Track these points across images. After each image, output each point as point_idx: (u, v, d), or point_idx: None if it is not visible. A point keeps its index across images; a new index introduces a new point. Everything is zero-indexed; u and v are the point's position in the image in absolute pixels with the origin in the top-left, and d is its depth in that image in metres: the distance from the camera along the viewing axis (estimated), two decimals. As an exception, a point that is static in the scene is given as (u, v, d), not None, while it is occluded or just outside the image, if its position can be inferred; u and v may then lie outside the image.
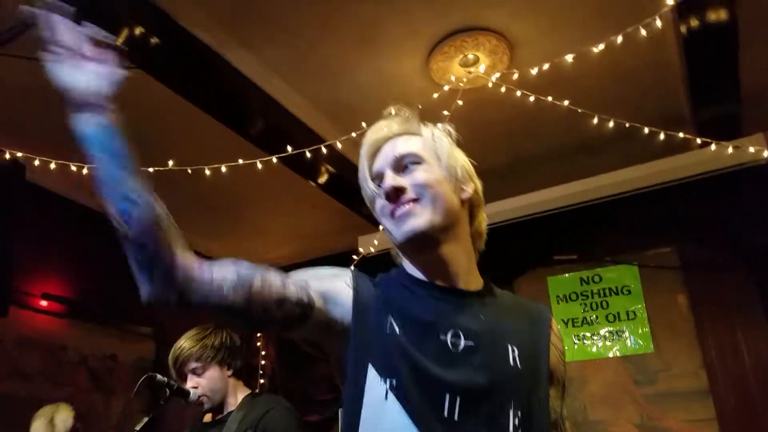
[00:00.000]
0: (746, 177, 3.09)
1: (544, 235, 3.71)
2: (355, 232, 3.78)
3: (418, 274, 1.01)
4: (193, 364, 1.98)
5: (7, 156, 2.65)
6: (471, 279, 1.03)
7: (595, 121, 2.77)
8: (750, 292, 3.38)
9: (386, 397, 0.90)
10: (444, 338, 0.93)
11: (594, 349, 3.74)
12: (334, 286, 0.98)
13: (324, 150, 2.87)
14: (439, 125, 1.10)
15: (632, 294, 3.77)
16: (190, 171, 2.70)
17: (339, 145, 2.89)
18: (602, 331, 3.74)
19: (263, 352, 4.41)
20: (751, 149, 2.89)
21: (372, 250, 3.50)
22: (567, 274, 3.89)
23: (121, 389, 3.68)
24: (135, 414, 1.82)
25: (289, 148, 2.82)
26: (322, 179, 3.57)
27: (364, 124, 2.80)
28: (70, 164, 2.62)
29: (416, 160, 1.02)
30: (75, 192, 3.65)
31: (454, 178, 1.03)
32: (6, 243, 2.93)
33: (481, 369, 0.92)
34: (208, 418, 2.09)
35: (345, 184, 3.63)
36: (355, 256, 3.45)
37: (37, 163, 2.63)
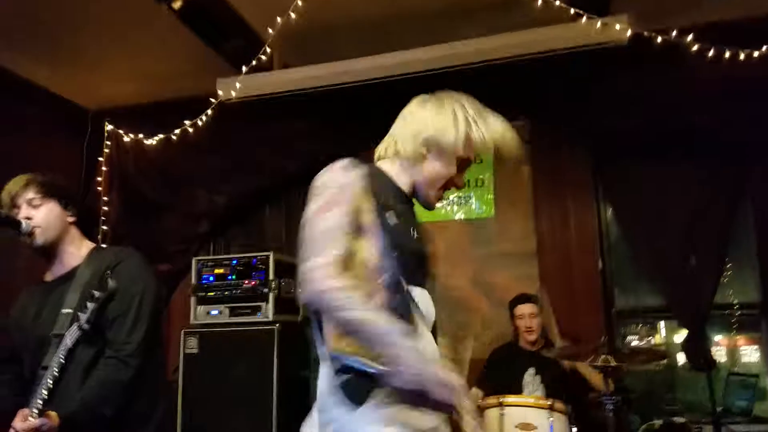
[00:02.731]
0: (603, 59, 3.23)
1: (399, 102, 3.60)
2: (214, 75, 3.39)
3: (403, 185, 1.53)
4: (30, 194, 1.88)
5: None
6: None
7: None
8: (586, 170, 3.75)
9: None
10: (412, 228, 1.51)
11: (442, 212, 4.01)
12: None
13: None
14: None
15: (483, 163, 3.98)
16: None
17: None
18: (451, 197, 3.99)
19: (105, 198, 4.00)
20: (618, 26, 2.99)
21: (233, 94, 3.19)
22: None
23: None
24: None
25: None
26: (177, 4, 3.07)
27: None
28: None
29: None
30: None
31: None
32: None
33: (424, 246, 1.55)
34: (49, 277, 1.97)
35: (204, 13, 3.16)
36: (213, 99, 3.14)
37: None
